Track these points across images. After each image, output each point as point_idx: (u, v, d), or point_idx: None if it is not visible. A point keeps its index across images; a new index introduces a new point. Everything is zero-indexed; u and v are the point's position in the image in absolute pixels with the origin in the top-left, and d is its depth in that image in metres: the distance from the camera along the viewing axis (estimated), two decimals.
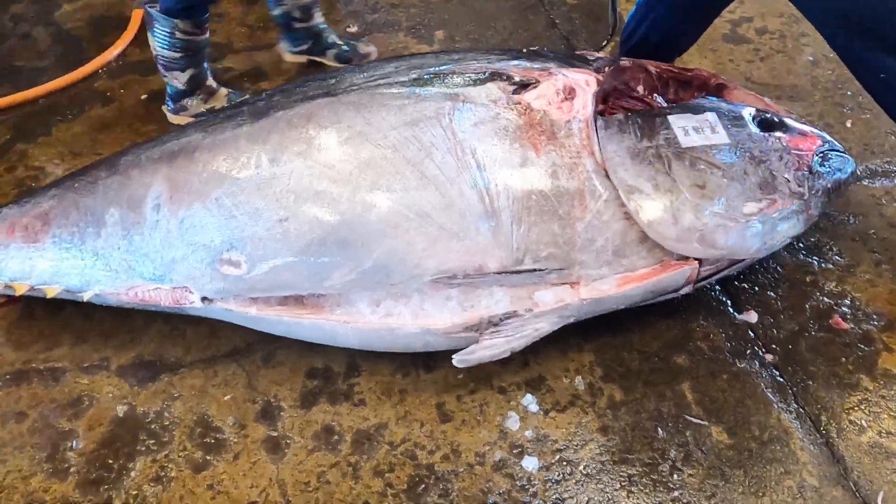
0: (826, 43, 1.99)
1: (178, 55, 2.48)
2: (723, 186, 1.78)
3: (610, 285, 1.79)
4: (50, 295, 1.92)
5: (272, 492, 1.70)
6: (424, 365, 1.91)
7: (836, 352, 1.91)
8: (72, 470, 1.76)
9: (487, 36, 3.03)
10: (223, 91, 2.62)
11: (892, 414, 1.79)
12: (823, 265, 2.11)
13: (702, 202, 1.76)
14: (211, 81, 2.62)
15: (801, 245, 2.15)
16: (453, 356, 1.77)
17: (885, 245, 2.15)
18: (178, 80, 2.54)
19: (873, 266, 2.10)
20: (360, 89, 1.86)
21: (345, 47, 2.83)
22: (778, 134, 1.90)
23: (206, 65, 2.58)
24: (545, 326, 1.78)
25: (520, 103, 1.81)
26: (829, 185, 1.89)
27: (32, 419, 1.85)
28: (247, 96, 2.54)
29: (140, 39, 3.03)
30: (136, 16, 3.11)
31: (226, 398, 1.87)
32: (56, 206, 1.92)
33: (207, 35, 2.52)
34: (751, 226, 1.79)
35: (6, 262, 1.92)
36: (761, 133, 1.89)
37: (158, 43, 2.46)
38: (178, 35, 2.43)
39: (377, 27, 3.09)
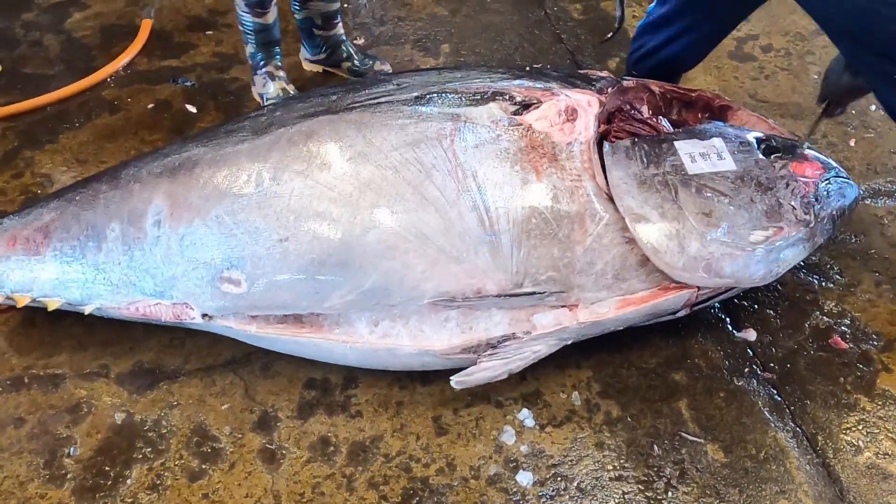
0: None
1: (241, 28, 2.64)
2: (729, 214, 1.77)
3: (608, 308, 1.78)
4: (51, 307, 1.92)
5: (266, 502, 1.70)
6: (421, 378, 1.91)
7: (835, 371, 1.91)
8: (69, 476, 1.76)
9: (493, 50, 3.04)
10: (281, 84, 2.71)
11: (890, 435, 1.78)
12: (824, 284, 2.11)
13: (708, 230, 1.75)
14: (273, 69, 2.71)
15: (801, 264, 2.14)
16: (451, 378, 1.78)
17: (886, 265, 2.15)
18: (245, 50, 2.72)
19: (874, 286, 2.09)
20: (362, 107, 1.87)
21: (358, 63, 2.85)
22: (784, 160, 1.89)
23: (276, 51, 2.71)
24: (543, 349, 1.79)
25: (521, 125, 1.81)
26: (834, 213, 1.87)
27: (31, 425, 1.86)
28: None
29: (148, 49, 3.06)
30: (145, 26, 3.13)
31: (223, 407, 1.88)
32: (57, 219, 1.92)
33: (266, 21, 2.60)
34: (757, 254, 1.77)
35: (8, 275, 1.92)
36: (767, 159, 1.88)
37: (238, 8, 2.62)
38: (239, 9, 2.57)
39: (384, 40, 3.11)
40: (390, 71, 2.87)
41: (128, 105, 2.82)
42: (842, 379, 1.89)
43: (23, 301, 1.92)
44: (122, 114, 2.78)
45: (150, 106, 2.80)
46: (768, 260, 1.78)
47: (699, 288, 1.80)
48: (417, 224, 1.72)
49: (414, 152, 1.76)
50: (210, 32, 3.17)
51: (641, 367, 1.94)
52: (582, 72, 2.09)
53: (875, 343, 1.96)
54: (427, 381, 1.91)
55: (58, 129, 2.71)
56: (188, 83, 2.89)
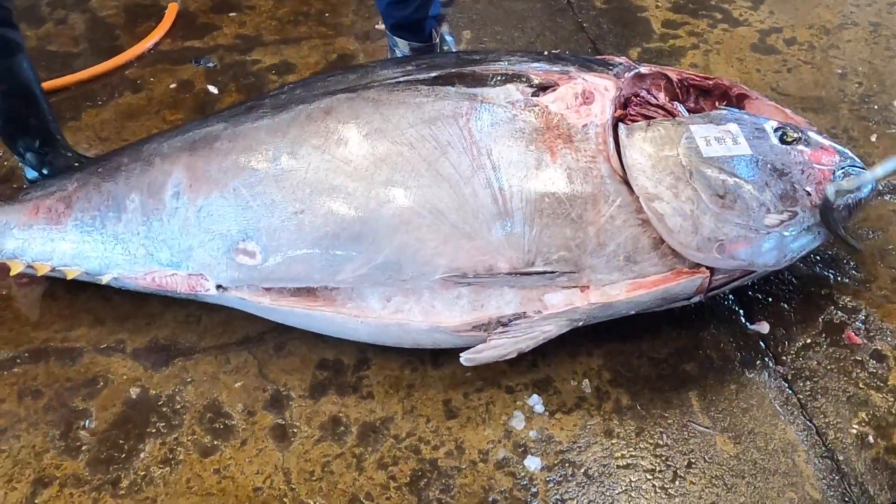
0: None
1: None
2: (744, 197, 1.77)
3: (619, 290, 1.79)
4: (70, 277, 1.96)
5: (277, 479, 1.73)
6: (433, 361, 1.93)
7: (848, 367, 1.90)
8: (83, 448, 1.79)
9: (514, 37, 3.03)
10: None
11: None
12: (839, 279, 2.10)
13: (722, 212, 1.76)
14: None
15: (817, 258, 2.14)
16: (461, 354, 1.79)
17: None
18: None
19: (890, 282, 2.08)
20: (381, 86, 1.88)
21: None
22: (800, 147, 1.88)
23: None
24: (553, 329, 1.79)
25: (537, 105, 1.82)
26: (849, 201, 1.88)
27: (48, 397, 1.89)
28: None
29: (171, 30, 3.08)
30: (172, 9, 3.15)
31: (236, 385, 1.90)
32: (79, 190, 1.97)
33: None
34: (771, 237, 1.78)
35: (29, 243, 1.96)
36: (783, 146, 1.88)
37: None
38: None
39: None
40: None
41: (150, 84, 2.84)
42: (854, 374, 1.88)
43: (43, 269, 1.95)
44: (144, 93, 2.80)
45: (173, 86, 2.83)
46: (782, 244, 1.78)
47: (712, 273, 1.80)
48: (431, 200, 1.73)
49: (430, 129, 1.77)
50: (233, 14, 3.19)
51: (653, 357, 1.94)
52: (600, 57, 2.09)
53: (889, 339, 1.95)
54: (438, 364, 1.92)
55: (81, 107, 2.74)
56: (210, 64, 2.91)
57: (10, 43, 2.12)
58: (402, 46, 2.51)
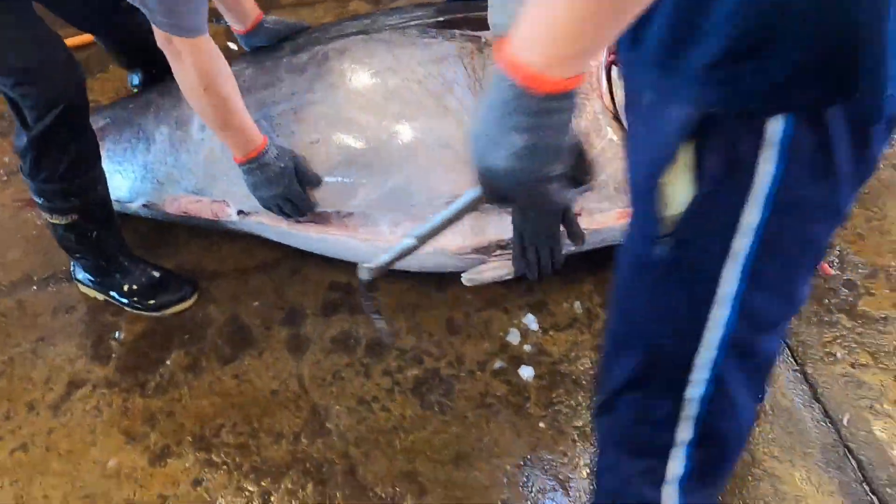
0: None
1: None
2: None
3: (609, 218, 1.93)
4: None
5: (291, 383, 1.88)
6: (437, 285, 2.08)
7: (820, 294, 2.04)
8: (113, 356, 1.96)
9: None
10: None
11: (867, 349, 1.91)
12: None
13: None
14: None
15: None
16: (462, 274, 1.94)
17: (877, 204, 2.27)
18: None
19: (864, 221, 2.22)
20: (392, 28, 2.03)
21: None
22: None
23: None
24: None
25: None
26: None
27: (81, 312, 2.05)
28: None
29: None
30: None
31: (255, 304, 2.06)
32: (111, 124, 2.12)
33: None
34: None
35: None
36: None
37: None
38: None
39: None
40: None
41: None
42: (826, 300, 2.03)
43: None
44: None
45: None
46: None
47: None
48: (438, 131, 1.88)
49: (437, 67, 1.92)
50: None
51: None
52: None
53: (860, 270, 2.09)
54: (442, 287, 2.07)
55: (108, 59, 2.87)
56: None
57: None
58: None
